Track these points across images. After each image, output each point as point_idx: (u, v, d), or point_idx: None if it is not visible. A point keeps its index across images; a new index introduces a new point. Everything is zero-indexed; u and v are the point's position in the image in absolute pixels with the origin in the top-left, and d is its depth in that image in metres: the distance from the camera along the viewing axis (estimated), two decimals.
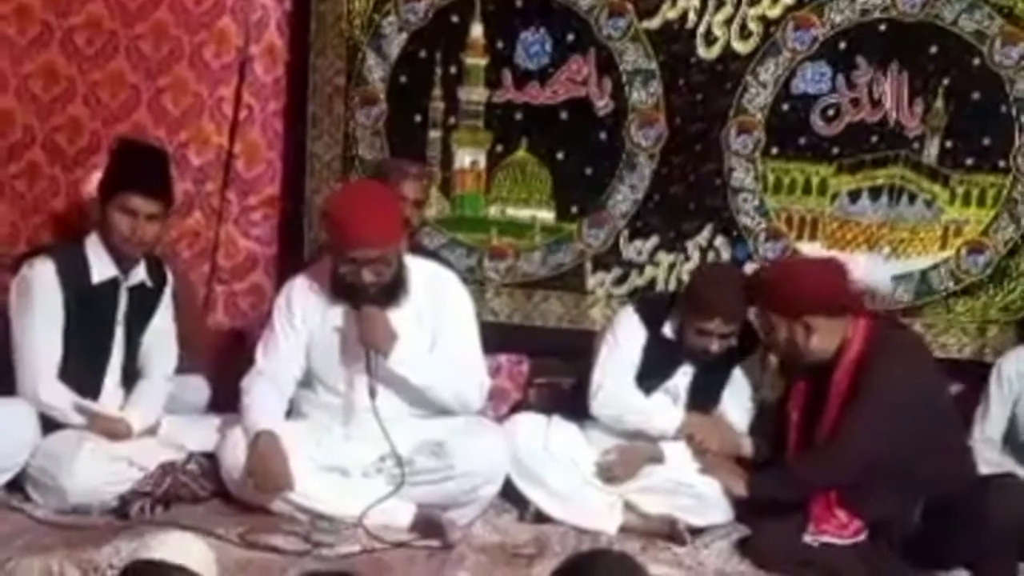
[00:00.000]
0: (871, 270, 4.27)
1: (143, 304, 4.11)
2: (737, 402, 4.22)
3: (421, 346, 3.93)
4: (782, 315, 3.87)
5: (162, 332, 4.18)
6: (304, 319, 4.00)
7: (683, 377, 4.18)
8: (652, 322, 4.19)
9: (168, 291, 4.19)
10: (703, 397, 4.19)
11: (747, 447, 4.16)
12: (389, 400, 3.91)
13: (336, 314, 3.96)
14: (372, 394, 3.84)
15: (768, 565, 3.74)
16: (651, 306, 4.28)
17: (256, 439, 3.82)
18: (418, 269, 4.02)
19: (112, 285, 4.03)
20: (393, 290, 3.90)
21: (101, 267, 4.00)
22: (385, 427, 3.81)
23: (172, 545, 2.37)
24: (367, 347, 3.85)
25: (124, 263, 4.02)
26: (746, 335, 4.16)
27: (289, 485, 3.81)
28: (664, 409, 4.15)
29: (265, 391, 3.97)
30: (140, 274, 4.08)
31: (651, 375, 4.17)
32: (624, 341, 4.18)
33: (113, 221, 3.95)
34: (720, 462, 4.07)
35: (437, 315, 3.99)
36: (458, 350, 4.00)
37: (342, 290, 3.90)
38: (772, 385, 4.24)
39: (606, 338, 4.24)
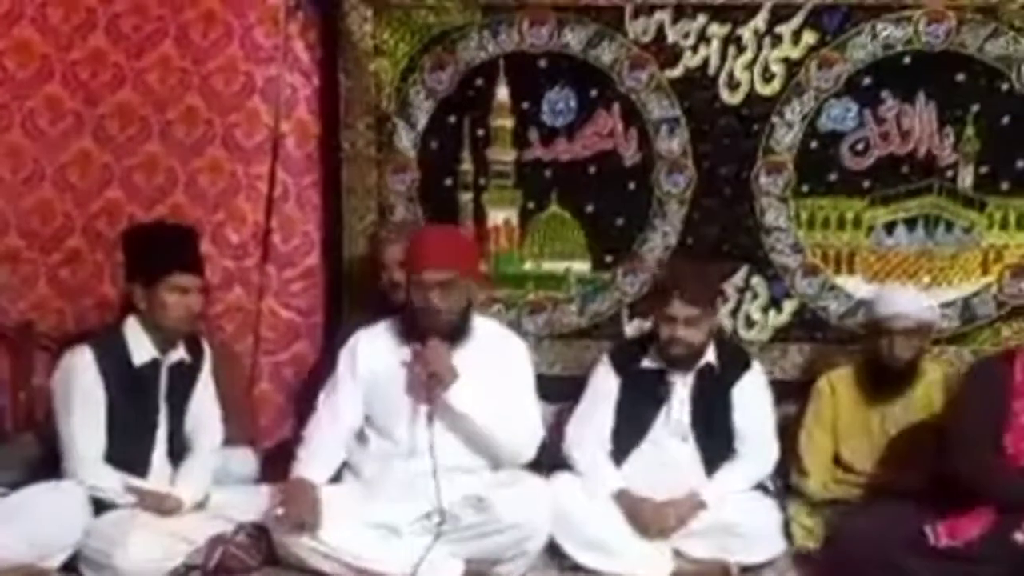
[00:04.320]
0: (914, 302, 4.26)
1: (184, 380, 4.15)
2: (752, 416, 4.18)
3: (480, 389, 3.98)
4: None
5: (205, 405, 4.22)
6: (367, 366, 4.09)
7: (681, 406, 4.16)
8: (626, 363, 4.26)
9: (207, 365, 4.23)
10: (710, 424, 4.16)
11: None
12: (443, 444, 3.94)
13: (398, 362, 4.04)
14: (430, 420, 3.91)
15: None
16: (626, 347, 4.40)
17: (291, 480, 3.96)
18: (482, 324, 4.14)
19: (153, 366, 4.07)
20: (458, 331, 4.01)
21: (141, 350, 4.05)
22: (437, 464, 3.87)
23: None
24: (430, 377, 3.92)
25: (164, 344, 4.07)
26: (737, 353, 4.27)
27: (317, 522, 3.84)
28: (599, 471, 4.14)
29: (323, 444, 4.06)
30: (179, 352, 4.13)
31: (637, 419, 4.18)
32: (595, 394, 4.29)
33: (167, 302, 4.00)
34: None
35: (498, 368, 4.06)
36: (515, 400, 4.08)
37: (411, 322, 4.02)
38: None
39: (587, 386, 4.33)
